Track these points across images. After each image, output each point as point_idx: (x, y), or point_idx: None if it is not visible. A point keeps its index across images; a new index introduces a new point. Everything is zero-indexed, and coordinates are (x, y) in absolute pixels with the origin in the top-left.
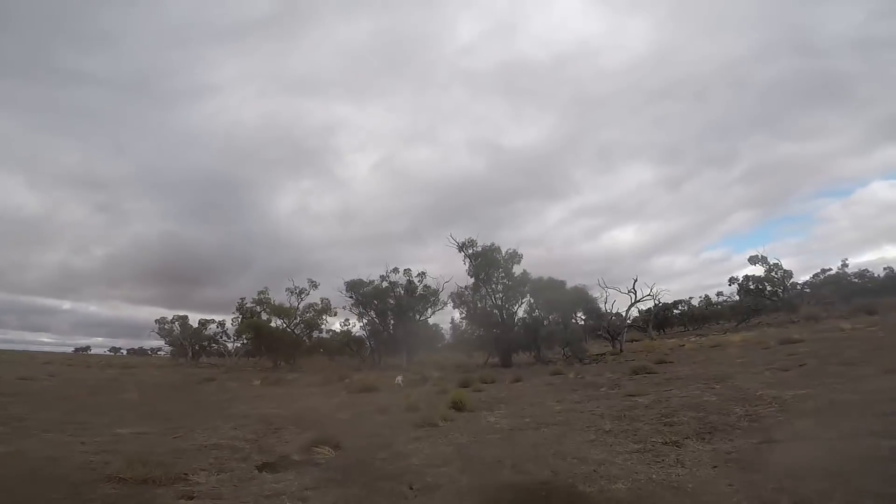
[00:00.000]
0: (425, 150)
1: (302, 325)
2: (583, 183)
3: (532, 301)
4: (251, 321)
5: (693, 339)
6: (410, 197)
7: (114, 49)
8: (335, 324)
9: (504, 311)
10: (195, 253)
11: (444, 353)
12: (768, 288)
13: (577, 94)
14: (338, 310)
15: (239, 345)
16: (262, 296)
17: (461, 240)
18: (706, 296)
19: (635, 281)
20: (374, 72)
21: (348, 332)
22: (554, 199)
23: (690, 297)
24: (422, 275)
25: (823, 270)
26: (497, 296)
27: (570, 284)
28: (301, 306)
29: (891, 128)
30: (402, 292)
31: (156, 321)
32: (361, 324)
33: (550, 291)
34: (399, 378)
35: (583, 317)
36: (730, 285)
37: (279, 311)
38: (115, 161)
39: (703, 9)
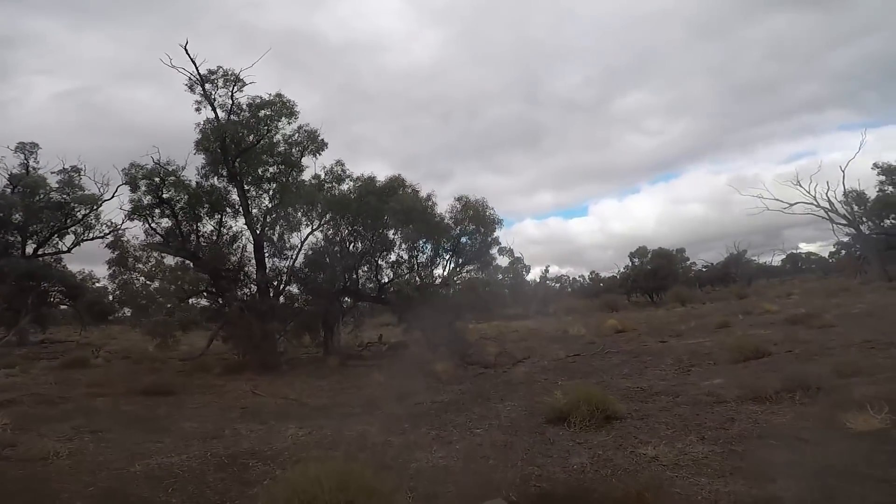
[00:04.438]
0: (147, 92)
1: None
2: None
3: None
4: None
5: None
6: (104, 138)
7: None
8: None
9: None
10: None
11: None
12: None
13: (349, 83)
14: None
15: None
16: None
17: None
18: None
19: None
20: None
21: None
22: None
23: None
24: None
25: None
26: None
27: None
28: None
29: (550, 180)
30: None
31: None
32: None
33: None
34: None
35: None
36: None
37: None
38: None
39: (483, 40)
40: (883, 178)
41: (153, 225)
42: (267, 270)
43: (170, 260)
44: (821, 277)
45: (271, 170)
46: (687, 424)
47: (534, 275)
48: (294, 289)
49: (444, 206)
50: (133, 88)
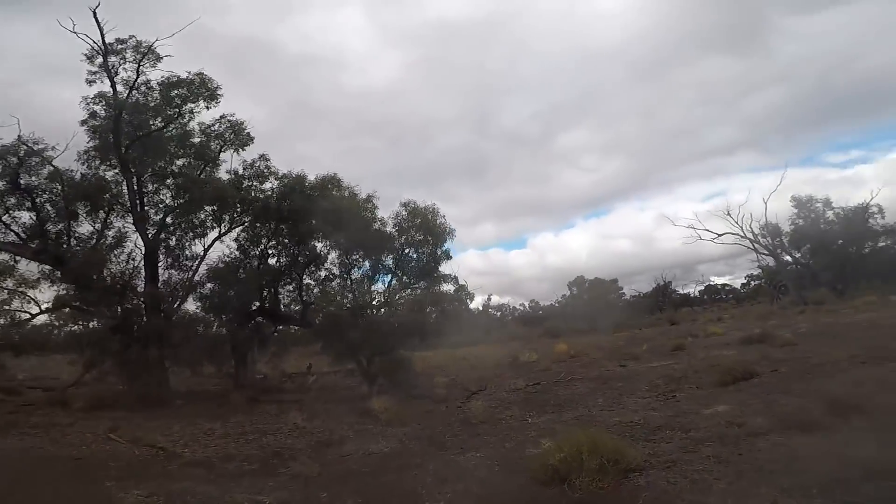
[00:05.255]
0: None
1: None
2: None
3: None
4: None
5: None
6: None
7: None
8: None
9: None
10: None
11: None
12: None
13: (300, 98)
14: None
15: None
16: None
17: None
18: None
19: None
20: None
21: None
22: None
23: None
24: None
25: None
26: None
27: None
28: None
29: (492, 211)
30: None
31: None
32: None
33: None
34: None
35: None
36: None
37: None
38: None
39: (443, 67)
40: (796, 211)
41: (5, 219)
42: (159, 284)
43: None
44: (736, 305)
45: (179, 162)
46: (738, 469)
47: (476, 303)
48: (195, 307)
49: (387, 212)
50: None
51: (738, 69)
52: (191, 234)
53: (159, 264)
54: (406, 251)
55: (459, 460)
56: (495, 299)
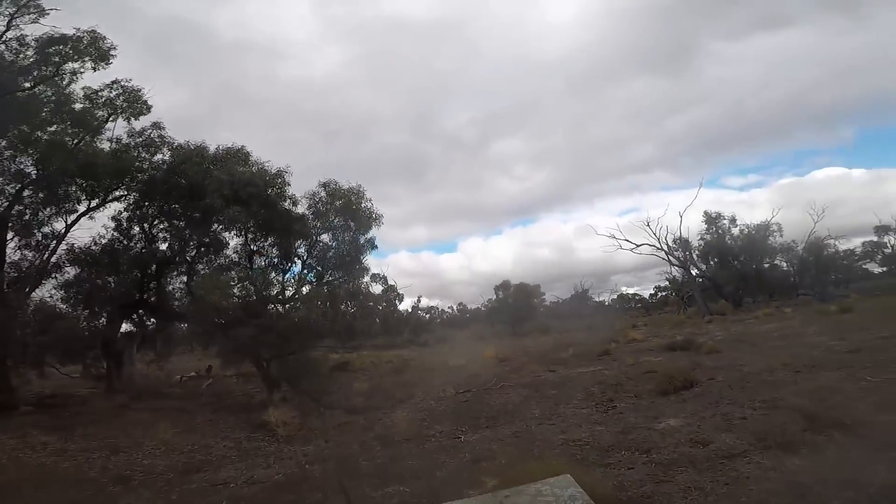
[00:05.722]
0: None
1: None
2: None
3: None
4: None
5: None
6: None
7: None
8: None
9: None
10: None
11: None
12: None
13: (231, 85)
14: None
15: None
16: None
17: None
18: None
19: None
20: None
21: None
22: None
23: None
24: None
25: None
26: None
27: None
28: None
29: (426, 213)
30: None
31: None
32: None
33: None
34: None
35: None
36: None
37: None
38: None
39: (388, 64)
40: (706, 226)
41: None
42: (5, 266)
43: None
44: (645, 314)
45: (53, 129)
46: None
47: (406, 305)
48: (54, 295)
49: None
50: None
51: (664, 89)
52: (51, 208)
53: (8, 242)
54: (322, 237)
55: (376, 498)
56: (425, 301)
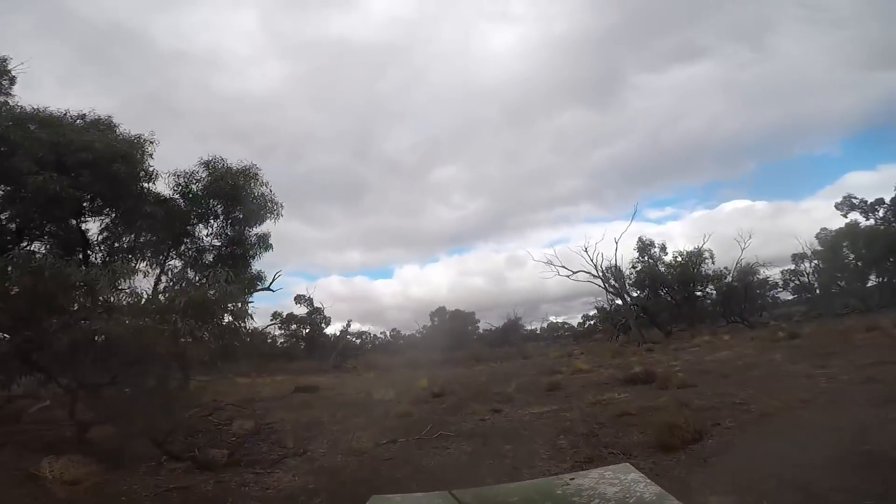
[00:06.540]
0: None
1: None
2: None
3: None
4: None
5: None
6: None
7: None
8: None
9: None
10: None
11: None
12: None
13: (160, 94)
14: None
15: None
16: None
17: None
18: None
19: None
20: None
21: None
22: None
23: None
24: None
25: None
26: None
27: None
28: None
29: (362, 239)
30: None
31: None
32: None
33: None
34: None
35: None
36: None
37: None
38: None
39: (331, 83)
40: (638, 255)
41: None
42: None
43: None
44: (575, 342)
45: None
46: None
47: (334, 328)
48: None
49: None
50: None
51: (592, 121)
52: None
53: None
54: (195, 227)
55: None
56: (356, 326)
